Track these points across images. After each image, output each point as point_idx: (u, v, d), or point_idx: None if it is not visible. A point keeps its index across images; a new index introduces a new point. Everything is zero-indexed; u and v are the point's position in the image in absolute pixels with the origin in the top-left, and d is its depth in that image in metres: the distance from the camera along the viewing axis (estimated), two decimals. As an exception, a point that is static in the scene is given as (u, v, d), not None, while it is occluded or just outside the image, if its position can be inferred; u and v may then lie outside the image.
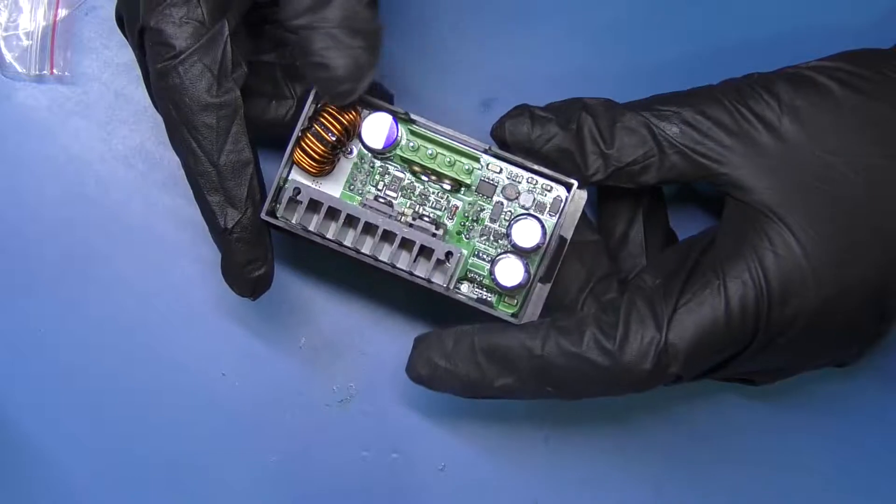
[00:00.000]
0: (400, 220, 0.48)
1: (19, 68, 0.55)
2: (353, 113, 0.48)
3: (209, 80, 0.46)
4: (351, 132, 0.48)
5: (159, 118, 0.55)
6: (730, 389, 0.53)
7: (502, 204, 0.49)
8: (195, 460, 0.53)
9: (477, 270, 0.49)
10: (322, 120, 0.47)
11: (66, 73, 0.55)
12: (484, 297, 0.49)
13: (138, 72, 0.54)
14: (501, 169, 0.49)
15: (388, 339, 0.54)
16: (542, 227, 0.47)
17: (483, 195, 0.49)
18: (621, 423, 0.54)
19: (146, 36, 0.46)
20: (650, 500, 0.54)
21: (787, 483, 0.54)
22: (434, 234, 0.48)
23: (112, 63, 0.55)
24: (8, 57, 0.55)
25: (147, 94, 0.49)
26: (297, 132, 0.48)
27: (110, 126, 0.55)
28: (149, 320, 0.54)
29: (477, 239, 0.49)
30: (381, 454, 0.53)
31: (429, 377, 0.48)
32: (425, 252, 0.47)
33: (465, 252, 0.48)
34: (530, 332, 0.47)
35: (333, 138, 0.47)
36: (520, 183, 0.49)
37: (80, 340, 0.54)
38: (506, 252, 0.48)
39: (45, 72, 0.55)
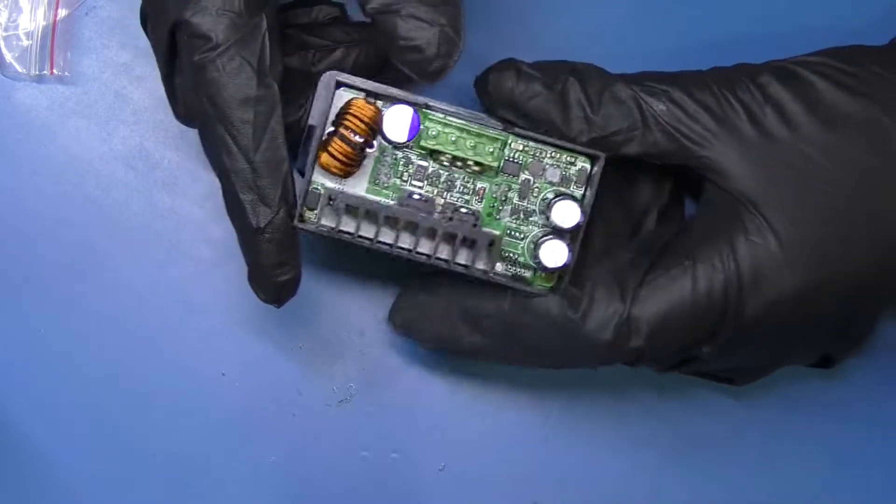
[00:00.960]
0: (438, 216, 0.48)
1: (19, 68, 0.55)
2: (374, 109, 0.47)
3: (248, 74, 0.45)
4: (375, 130, 0.48)
5: (159, 118, 0.55)
6: (729, 391, 0.53)
7: (529, 181, 0.48)
8: (195, 460, 0.53)
9: (510, 249, 0.49)
10: (347, 122, 0.47)
11: (66, 73, 0.55)
12: (519, 273, 0.49)
13: (138, 72, 0.54)
14: (524, 146, 0.48)
15: (388, 339, 0.54)
16: (580, 205, 0.47)
17: (509, 174, 0.49)
18: (621, 424, 0.54)
19: (181, 30, 0.45)
20: (649, 500, 0.54)
21: (788, 484, 0.54)
22: (475, 225, 0.48)
23: (112, 63, 0.55)
24: (8, 57, 0.55)
25: (167, 95, 0.49)
26: (319, 135, 0.47)
27: (110, 126, 0.55)
28: (149, 320, 0.54)
29: (508, 218, 0.48)
30: (381, 454, 0.53)
31: (404, 326, 0.50)
32: (465, 241, 0.48)
33: (500, 234, 0.48)
34: (501, 295, 0.48)
35: (361, 140, 0.47)
36: (544, 158, 0.48)
37: (80, 340, 0.54)
38: (546, 234, 0.48)
39: (45, 72, 0.55)
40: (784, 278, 0.45)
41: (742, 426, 0.54)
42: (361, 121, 0.47)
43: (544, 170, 0.48)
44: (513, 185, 0.49)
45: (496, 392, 0.54)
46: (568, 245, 0.47)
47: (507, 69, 0.48)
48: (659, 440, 0.54)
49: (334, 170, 0.47)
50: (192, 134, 0.55)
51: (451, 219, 0.48)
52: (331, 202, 0.47)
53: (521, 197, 0.49)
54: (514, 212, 0.49)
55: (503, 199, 0.49)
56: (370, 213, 0.47)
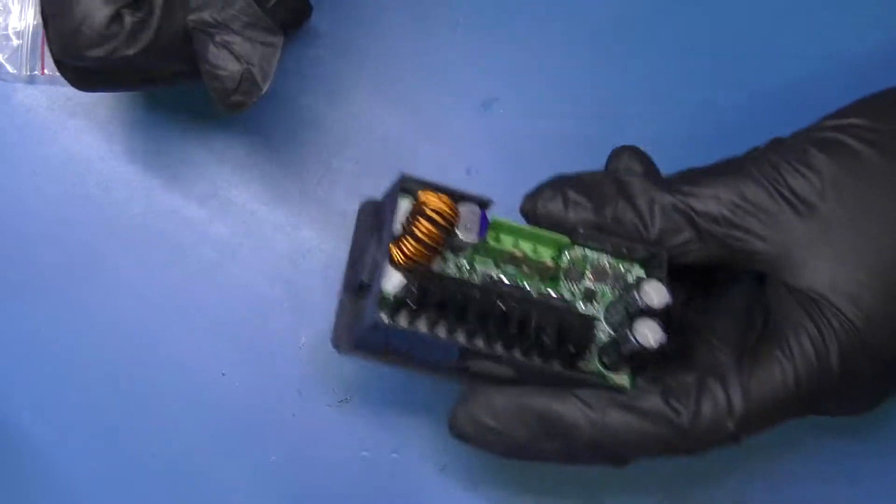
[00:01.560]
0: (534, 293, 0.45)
1: (10, 69, 0.55)
2: (449, 202, 0.44)
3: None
4: (452, 224, 0.44)
5: (159, 118, 0.55)
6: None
7: (591, 288, 0.47)
8: (195, 460, 0.53)
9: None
10: (427, 206, 0.44)
11: (58, 73, 0.55)
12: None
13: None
14: (583, 254, 0.47)
15: (388, 339, 0.54)
16: (665, 285, 0.45)
17: (570, 280, 0.47)
18: (621, 423, 0.54)
19: None
20: (649, 499, 0.54)
21: (788, 484, 0.54)
22: (570, 309, 0.45)
23: (112, 63, 0.55)
24: (-1, 58, 0.55)
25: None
26: (391, 233, 0.44)
27: (110, 126, 0.55)
28: (149, 320, 0.54)
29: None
30: (381, 454, 0.53)
31: (472, 435, 0.46)
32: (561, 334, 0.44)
33: (592, 316, 0.45)
34: (588, 402, 0.45)
35: (446, 222, 0.44)
36: (604, 265, 0.47)
37: (80, 340, 0.54)
38: (628, 319, 0.46)
39: (35, 72, 0.55)
40: (864, 363, 0.45)
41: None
42: (440, 214, 0.44)
43: (606, 274, 0.47)
44: (576, 293, 0.47)
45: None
46: (662, 325, 0.45)
47: (553, 198, 0.47)
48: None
49: (417, 257, 0.44)
50: (193, 134, 0.55)
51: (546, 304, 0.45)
52: (422, 284, 0.43)
53: (587, 300, 0.47)
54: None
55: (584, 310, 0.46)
56: (468, 298, 0.44)
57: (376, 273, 0.44)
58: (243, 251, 0.55)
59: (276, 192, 0.55)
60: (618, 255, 0.47)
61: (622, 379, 0.46)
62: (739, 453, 0.50)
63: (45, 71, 0.55)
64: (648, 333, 0.44)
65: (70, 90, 0.55)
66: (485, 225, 0.45)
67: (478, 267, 0.46)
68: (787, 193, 0.46)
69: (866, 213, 0.46)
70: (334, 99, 0.56)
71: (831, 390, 0.46)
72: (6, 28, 0.55)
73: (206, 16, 0.45)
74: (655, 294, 0.45)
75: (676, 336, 0.46)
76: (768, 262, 0.46)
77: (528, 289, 0.46)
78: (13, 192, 0.55)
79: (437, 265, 0.45)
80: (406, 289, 0.43)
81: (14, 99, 0.55)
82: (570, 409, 0.45)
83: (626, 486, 0.53)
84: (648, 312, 0.45)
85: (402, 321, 0.44)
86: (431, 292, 0.44)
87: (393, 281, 0.44)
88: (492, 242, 0.46)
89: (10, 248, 0.54)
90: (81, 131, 0.55)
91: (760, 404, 0.45)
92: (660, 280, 0.45)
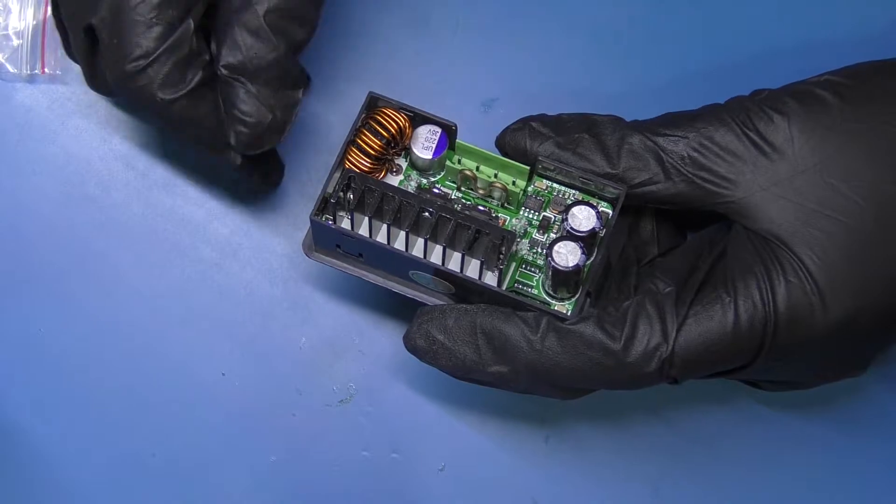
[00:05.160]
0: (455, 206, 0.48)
1: (11, 69, 0.55)
2: (404, 118, 0.48)
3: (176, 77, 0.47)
4: (401, 137, 0.48)
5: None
6: (729, 392, 0.53)
7: (550, 218, 0.48)
8: (195, 460, 0.53)
9: (525, 281, 0.48)
10: (376, 119, 0.48)
11: (58, 72, 0.55)
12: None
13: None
14: (548, 186, 0.48)
15: (388, 339, 0.54)
16: (597, 212, 0.47)
17: (530, 209, 0.48)
18: (621, 424, 0.54)
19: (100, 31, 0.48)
20: (649, 499, 0.54)
21: (787, 484, 0.54)
22: (490, 220, 0.47)
23: (112, 63, 0.55)
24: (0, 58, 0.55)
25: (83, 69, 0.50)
26: (350, 134, 0.48)
27: (110, 126, 0.55)
28: (149, 320, 0.54)
29: (525, 251, 0.48)
30: (381, 454, 0.53)
31: (424, 350, 0.48)
32: (475, 249, 0.46)
33: (515, 233, 0.47)
34: (531, 325, 0.47)
35: (388, 133, 0.47)
36: (567, 199, 0.48)
37: (80, 340, 0.54)
38: (561, 237, 0.47)
39: (36, 71, 0.55)
40: (816, 317, 0.45)
41: (743, 427, 0.54)
42: (391, 120, 0.47)
43: (566, 208, 0.47)
44: (533, 221, 0.48)
45: (496, 392, 0.54)
46: (581, 248, 0.46)
47: (520, 129, 0.48)
48: (659, 440, 0.54)
49: (360, 165, 0.47)
50: (193, 134, 0.55)
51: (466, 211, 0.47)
52: (348, 188, 0.47)
53: (541, 231, 0.48)
54: (533, 245, 0.48)
55: (522, 232, 0.48)
56: (387, 198, 0.46)
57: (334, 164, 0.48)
58: (243, 251, 0.55)
59: (275, 193, 0.55)
60: (580, 188, 0.48)
61: (563, 307, 0.47)
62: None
63: (45, 70, 0.55)
64: (566, 254, 0.46)
65: (70, 90, 0.55)
66: (442, 145, 0.48)
67: (440, 188, 0.49)
68: (754, 136, 0.46)
69: (833, 160, 0.46)
70: (333, 100, 0.56)
71: (773, 347, 0.46)
72: (6, 28, 0.55)
73: (237, 64, 0.48)
74: (583, 218, 0.46)
75: (624, 269, 0.47)
76: (732, 205, 0.47)
77: (465, 202, 0.48)
78: (13, 191, 0.55)
79: (396, 181, 0.48)
80: (335, 189, 0.46)
81: (14, 98, 0.55)
82: (514, 330, 0.47)
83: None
84: (573, 236, 0.46)
85: (335, 221, 0.47)
86: (367, 199, 0.46)
87: (332, 182, 0.47)
88: (450, 163, 0.48)
89: (10, 248, 0.54)
90: (81, 131, 0.55)
91: (696, 338, 0.46)
92: (592, 207, 0.47)
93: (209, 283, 0.54)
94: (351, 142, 0.48)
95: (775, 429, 0.54)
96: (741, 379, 0.50)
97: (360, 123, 0.48)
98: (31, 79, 0.55)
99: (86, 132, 0.55)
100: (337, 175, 0.47)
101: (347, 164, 0.48)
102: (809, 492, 0.54)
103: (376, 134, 0.47)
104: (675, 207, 0.48)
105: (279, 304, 0.54)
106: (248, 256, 0.54)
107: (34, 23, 0.55)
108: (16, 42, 0.55)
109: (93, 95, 0.55)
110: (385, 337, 0.54)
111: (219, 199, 0.55)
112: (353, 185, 0.47)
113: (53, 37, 0.55)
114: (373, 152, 0.47)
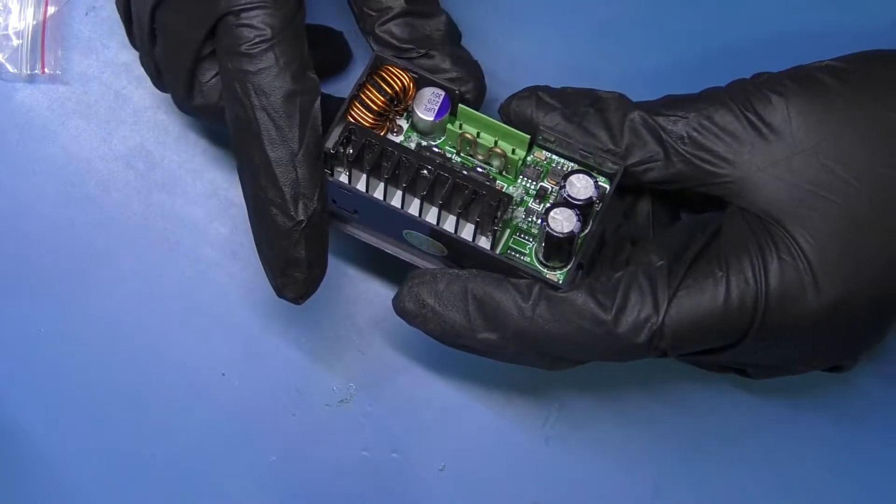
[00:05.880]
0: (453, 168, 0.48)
1: (11, 69, 0.55)
2: (408, 78, 0.48)
3: (297, 66, 0.46)
4: (404, 96, 0.48)
5: (160, 118, 0.55)
6: (729, 389, 0.53)
7: (546, 188, 0.48)
8: (195, 460, 0.53)
9: (518, 248, 0.48)
10: (381, 76, 0.48)
11: (58, 72, 0.55)
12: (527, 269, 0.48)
13: (138, 72, 0.54)
14: (547, 157, 0.48)
15: (388, 339, 0.54)
16: (595, 181, 0.47)
17: (528, 178, 0.48)
18: (621, 424, 0.54)
19: (229, 18, 0.46)
20: (649, 499, 0.54)
21: (787, 483, 0.54)
22: (488, 182, 0.47)
23: (112, 63, 0.55)
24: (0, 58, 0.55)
25: (176, 89, 0.49)
26: (353, 89, 0.48)
27: (110, 126, 0.55)
28: (149, 320, 0.54)
29: (521, 219, 0.48)
30: (381, 454, 0.53)
31: (413, 313, 0.48)
32: (471, 210, 0.46)
33: (515, 206, 0.47)
34: (523, 292, 0.47)
35: (392, 90, 0.47)
36: (565, 170, 0.48)
37: (80, 340, 0.54)
38: (556, 204, 0.47)
39: (36, 71, 0.55)
40: (808, 297, 0.46)
41: (744, 426, 0.54)
42: (395, 77, 0.48)
43: (563, 179, 0.48)
44: (530, 190, 0.48)
45: (496, 392, 0.54)
46: (577, 215, 0.46)
47: (527, 98, 0.48)
48: (659, 440, 0.54)
49: (363, 119, 0.47)
50: (193, 134, 0.55)
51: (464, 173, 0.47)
52: (349, 141, 0.46)
53: (538, 200, 0.48)
54: (528, 214, 0.48)
55: (519, 200, 0.48)
56: (386, 154, 0.46)
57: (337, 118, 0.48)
58: (243, 251, 0.55)
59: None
60: (579, 162, 0.48)
61: (554, 275, 0.47)
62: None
63: (45, 70, 0.55)
64: (562, 220, 0.46)
65: (70, 90, 0.55)
66: (445, 108, 0.48)
67: (439, 149, 0.49)
68: (752, 117, 0.47)
69: (829, 142, 0.46)
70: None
71: (763, 325, 0.46)
72: (6, 28, 0.55)
73: (421, 38, 0.49)
74: (581, 186, 0.47)
75: (617, 246, 0.48)
76: (729, 186, 0.47)
77: (460, 161, 0.48)
78: (13, 191, 0.55)
79: (396, 139, 0.48)
80: (336, 143, 0.46)
81: (14, 98, 0.55)
82: (505, 296, 0.46)
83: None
84: (570, 203, 0.46)
85: (332, 175, 0.47)
86: (366, 154, 0.46)
87: (333, 136, 0.47)
88: (450, 127, 0.48)
89: (10, 248, 0.54)
90: (81, 131, 0.55)
91: (687, 312, 0.46)
92: (590, 176, 0.47)
93: (209, 283, 0.54)
94: (355, 96, 0.48)
95: (777, 428, 0.54)
96: (730, 363, 0.49)
97: (364, 79, 0.48)
98: (31, 79, 0.55)
99: (86, 132, 0.55)
100: (338, 129, 0.47)
101: (350, 118, 0.48)
102: (802, 483, 0.54)
103: (380, 90, 0.47)
104: (674, 187, 0.48)
105: (279, 303, 0.54)
106: (248, 256, 0.54)
107: (34, 23, 0.55)
108: (16, 42, 0.55)
109: (93, 95, 0.55)
110: (385, 337, 0.54)
111: (219, 198, 0.55)
112: (353, 137, 0.46)
113: (53, 37, 0.55)
114: (375, 107, 0.47)
